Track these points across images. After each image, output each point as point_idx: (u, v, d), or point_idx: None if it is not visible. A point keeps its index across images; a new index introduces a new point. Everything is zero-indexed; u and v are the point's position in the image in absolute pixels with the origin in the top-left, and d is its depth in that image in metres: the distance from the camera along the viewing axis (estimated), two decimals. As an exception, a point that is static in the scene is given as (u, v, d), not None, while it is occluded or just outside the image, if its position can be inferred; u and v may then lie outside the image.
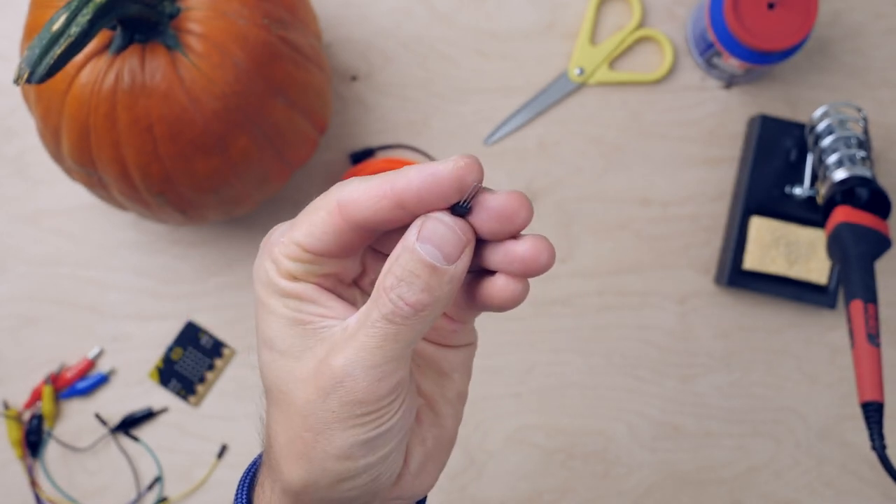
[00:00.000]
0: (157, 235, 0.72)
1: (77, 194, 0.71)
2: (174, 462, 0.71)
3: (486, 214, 0.30)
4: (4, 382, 0.71)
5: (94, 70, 0.55)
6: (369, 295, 0.34)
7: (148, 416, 0.71)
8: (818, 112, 0.66)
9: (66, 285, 0.71)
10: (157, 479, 0.71)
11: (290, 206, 0.70)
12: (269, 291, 0.32)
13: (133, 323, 0.71)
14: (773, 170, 0.69)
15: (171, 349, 0.71)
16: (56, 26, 0.47)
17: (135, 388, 0.71)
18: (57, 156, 0.60)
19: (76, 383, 0.71)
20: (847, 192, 0.62)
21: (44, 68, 0.47)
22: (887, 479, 0.71)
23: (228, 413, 0.71)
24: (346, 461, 0.31)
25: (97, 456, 0.71)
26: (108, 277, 0.72)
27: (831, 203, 0.62)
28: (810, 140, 0.67)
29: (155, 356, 0.71)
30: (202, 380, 0.71)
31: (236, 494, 0.36)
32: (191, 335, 0.71)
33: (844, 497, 0.71)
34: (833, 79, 0.72)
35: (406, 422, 0.32)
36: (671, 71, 0.72)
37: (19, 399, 0.71)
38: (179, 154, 0.56)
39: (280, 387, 0.32)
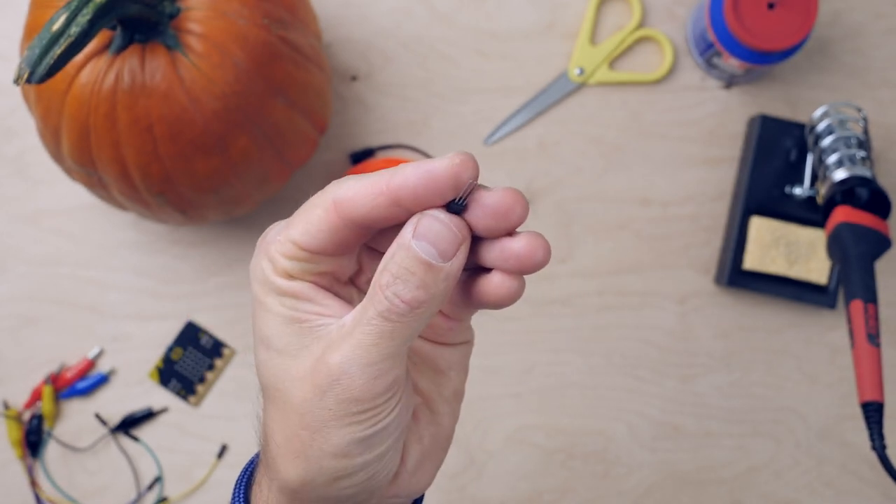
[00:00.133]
0: (157, 235, 0.72)
1: (77, 194, 0.71)
2: (174, 462, 0.71)
3: (482, 211, 0.30)
4: (4, 382, 0.71)
5: (94, 70, 0.55)
6: (366, 293, 0.34)
7: (148, 416, 0.71)
8: (818, 112, 0.66)
9: (66, 285, 0.71)
10: (157, 479, 0.71)
11: (290, 206, 0.70)
12: (265, 290, 0.32)
13: (133, 323, 0.71)
14: (773, 170, 0.69)
15: (171, 349, 0.71)
16: (56, 26, 0.47)
17: (135, 388, 0.71)
18: (57, 156, 0.60)
19: (76, 383, 0.71)
20: (847, 192, 0.62)
21: (44, 68, 0.47)
22: (887, 479, 0.71)
23: (228, 413, 0.71)
24: (342, 459, 0.31)
25: (97, 456, 0.71)
26: (108, 277, 0.72)
27: (831, 203, 0.62)
28: (810, 140, 0.67)
29: (155, 356, 0.71)
30: (202, 380, 0.71)
31: (234, 493, 0.36)
32: (191, 335, 0.71)
33: (844, 497, 0.71)
34: (833, 79, 0.72)
35: (403, 420, 0.32)
36: (671, 71, 0.72)
37: (19, 399, 0.71)
38: (179, 154, 0.56)
39: (277, 385, 0.32)
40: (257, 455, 0.37)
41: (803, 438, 0.72)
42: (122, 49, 0.54)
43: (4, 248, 0.72)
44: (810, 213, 0.69)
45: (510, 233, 0.31)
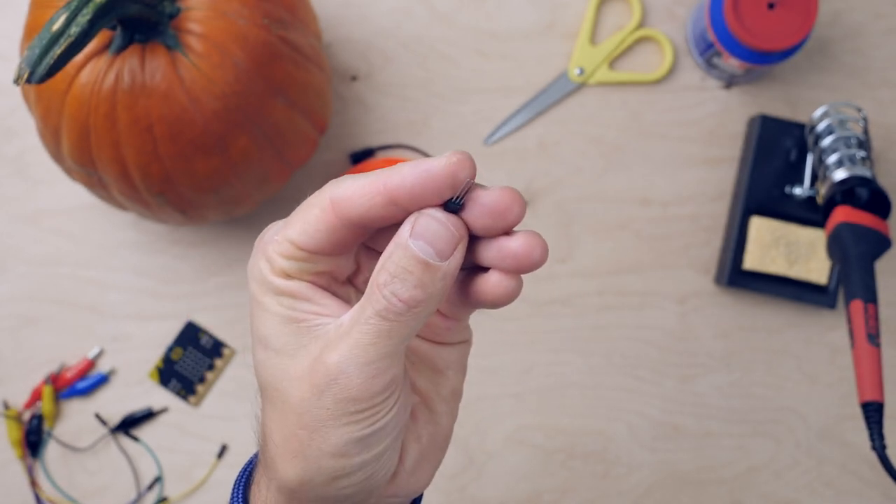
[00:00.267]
0: (157, 235, 0.72)
1: (77, 194, 0.72)
2: (174, 462, 0.71)
3: (479, 210, 0.30)
4: (4, 382, 0.71)
5: (94, 70, 0.55)
6: (363, 292, 0.34)
7: (148, 416, 0.71)
8: (818, 112, 0.66)
9: (66, 285, 0.71)
10: (157, 479, 0.71)
11: (290, 206, 0.70)
12: (263, 290, 0.32)
13: (133, 323, 0.71)
14: (773, 170, 0.69)
15: (171, 349, 0.71)
16: (56, 26, 0.47)
17: (135, 388, 0.71)
18: (57, 156, 0.60)
19: (76, 383, 0.71)
20: (847, 192, 0.62)
21: (44, 68, 0.47)
22: (887, 479, 0.71)
23: (228, 413, 0.71)
24: (341, 458, 0.31)
25: (97, 456, 0.71)
26: (108, 277, 0.72)
27: (831, 203, 0.62)
28: (810, 140, 0.67)
29: (155, 356, 0.71)
30: (202, 380, 0.71)
31: (232, 493, 0.36)
32: (191, 335, 0.71)
33: (844, 497, 0.71)
34: (833, 79, 0.72)
35: (401, 419, 0.32)
36: (671, 71, 0.72)
37: (19, 399, 0.71)
38: (179, 154, 0.56)
39: (275, 385, 0.32)
40: (256, 455, 0.37)
41: (803, 438, 0.71)
42: (122, 49, 0.54)
43: (4, 248, 0.72)
44: (810, 213, 0.69)
45: (507, 232, 0.31)
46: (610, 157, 0.72)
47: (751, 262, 0.69)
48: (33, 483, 0.70)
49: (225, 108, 0.55)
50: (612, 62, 0.73)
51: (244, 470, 0.37)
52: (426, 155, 0.72)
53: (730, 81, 0.72)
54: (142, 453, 0.71)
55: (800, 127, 0.69)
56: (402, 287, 0.29)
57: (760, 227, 0.68)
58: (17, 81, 0.47)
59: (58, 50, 0.47)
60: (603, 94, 0.72)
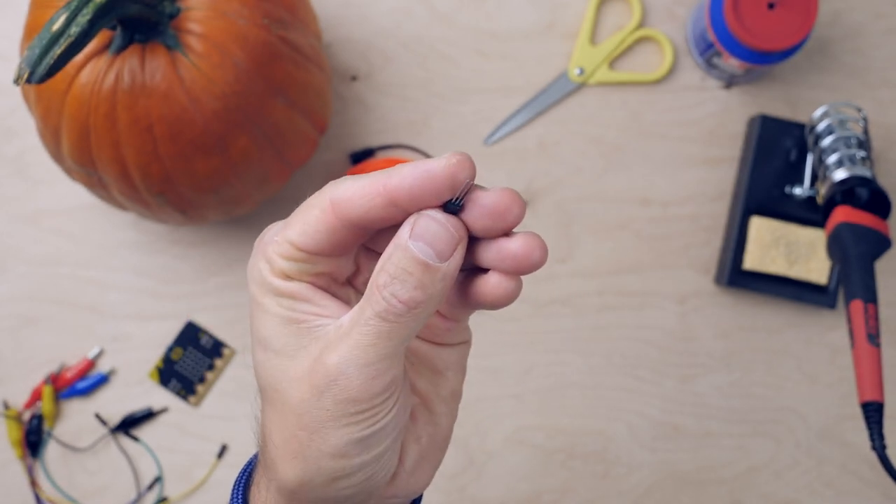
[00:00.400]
0: (157, 235, 0.72)
1: (77, 194, 0.72)
2: (174, 462, 0.71)
3: (479, 211, 0.30)
4: (4, 382, 0.71)
5: (94, 70, 0.55)
6: (363, 293, 0.34)
7: (148, 416, 0.71)
8: (818, 112, 0.66)
9: (66, 285, 0.71)
10: (157, 479, 0.71)
11: (290, 206, 0.70)
12: (263, 290, 0.32)
13: (133, 323, 0.71)
14: (773, 170, 0.69)
15: (171, 349, 0.71)
16: (56, 26, 0.47)
17: (135, 388, 0.71)
18: (57, 156, 0.60)
19: (76, 383, 0.71)
20: (847, 192, 0.62)
21: (44, 68, 0.47)
22: (887, 479, 0.71)
23: (228, 413, 0.71)
24: (340, 459, 0.31)
25: (97, 456, 0.71)
26: (108, 277, 0.72)
27: (831, 203, 0.62)
28: (810, 140, 0.67)
29: (155, 356, 0.71)
30: (202, 380, 0.71)
31: (232, 494, 0.36)
32: (191, 335, 0.71)
33: (844, 497, 0.71)
34: (833, 79, 0.72)
35: (400, 420, 0.32)
36: (671, 71, 0.72)
37: (19, 399, 0.71)
38: (179, 154, 0.56)
39: (274, 386, 0.32)
40: (256, 455, 0.37)
41: (803, 438, 0.71)
42: (122, 49, 0.54)
43: (4, 248, 0.72)
44: (810, 213, 0.69)
45: (507, 233, 0.31)
46: (610, 157, 0.72)
47: (751, 262, 0.69)
48: (33, 483, 0.70)
49: (225, 108, 0.55)
50: (612, 62, 0.73)
51: (244, 471, 0.37)
52: (426, 155, 0.72)
53: (730, 81, 0.72)
54: (142, 453, 0.71)
55: (800, 127, 0.69)
56: (402, 288, 0.29)
57: (760, 227, 0.68)
58: (17, 81, 0.47)
59: (58, 50, 0.47)
60: (603, 94, 0.72)
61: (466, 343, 0.36)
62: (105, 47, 0.55)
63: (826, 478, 0.71)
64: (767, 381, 0.72)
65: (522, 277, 0.32)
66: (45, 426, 0.70)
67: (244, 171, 0.59)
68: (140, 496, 0.71)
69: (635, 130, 0.72)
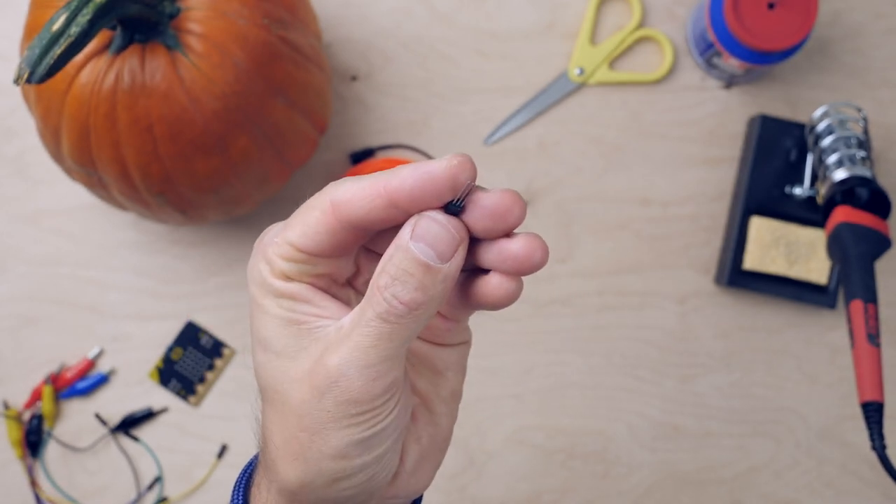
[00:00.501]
0: (157, 235, 0.72)
1: (77, 194, 0.72)
2: (174, 462, 0.71)
3: (480, 213, 0.30)
4: (4, 382, 0.71)
5: (94, 70, 0.55)
6: (363, 294, 0.34)
7: (148, 416, 0.71)
8: (818, 112, 0.66)
9: (66, 285, 0.71)
10: (157, 479, 0.71)
11: (290, 206, 0.70)
12: (263, 292, 0.32)
13: (133, 323, 0.71)
14: (773, 170, 0.69)
15: (171, 349, 0.71)
16: (56, 26, 0.47)
17: (135, 388, 0.71)
18: (57, 156, 0.60)
19: (76, 383, 0.71)
20: (847, 192, 0.62)
21: (44, 68, 0.47)
22: (887, 479, 0.71)
23: (228, 413, 0.71)
24: (341, 461, 0.31)
25: (97, 456, 0.71)
26: (108, 277, 0.72)
27: (831, 203, 0.62)
28: (810, 140, 0.67)
29: (155, 356, 0.71)
30: (202, 380, 0.71)
31: (232, 495, 0.36)
32: (191, 335, 0.71)
33: (844, 497, 0.71)
34: (833, 79, 0.72)
35: (401, 421, 0.32)
36: (671, 71, 0.72)
37: (19, 399, 0.71)
38: (179, 154, 0.56)
39: (275, 387, 0.32)
40: (256, 456, 0.37)
41: (803, 438, 0.71)
42: (122, 49, 0.54)
43: (4, 248, 0.72)
44: (810, 213, 0.69)
45: (508, 234, 0.31)
46: (610, 157, 0.72)
47: (751, 262, 0.69)
48: (33, 483, 0.70)
49: (225, 108, 0.55)
50: (612, 62, 0.73)
51: (244, 471, 0.37)
52: (426, 155, 0.72)
53: (730, 81, 0.72)
54: (142, 453, 0.71)
55: (800, 127, 0.69)
56: (403, 289, 0.29)
57: (760, 227, 0.68)
58: (17, 81, 0.47)
59: (58, 50, 0.47)
60: (603, 94, 0.72)
61: (466, 343, 0.36)
62: (105, 47, 0.55)
63: (826, 478, 0.71)
64: (767, 382, 0.72)
65: (523, 278, 0.32)
66: (45, 426, 0.70)
67: (244, 171, 0.59)
68: (140, 496, 0.71)
69: (635, 130, 0.72)
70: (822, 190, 0.64)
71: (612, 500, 0.71)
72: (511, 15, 0.72)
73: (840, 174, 0.63)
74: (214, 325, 0.71)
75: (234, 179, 0.60)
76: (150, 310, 0.71)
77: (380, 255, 0.33)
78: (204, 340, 0.71)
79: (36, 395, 0.70)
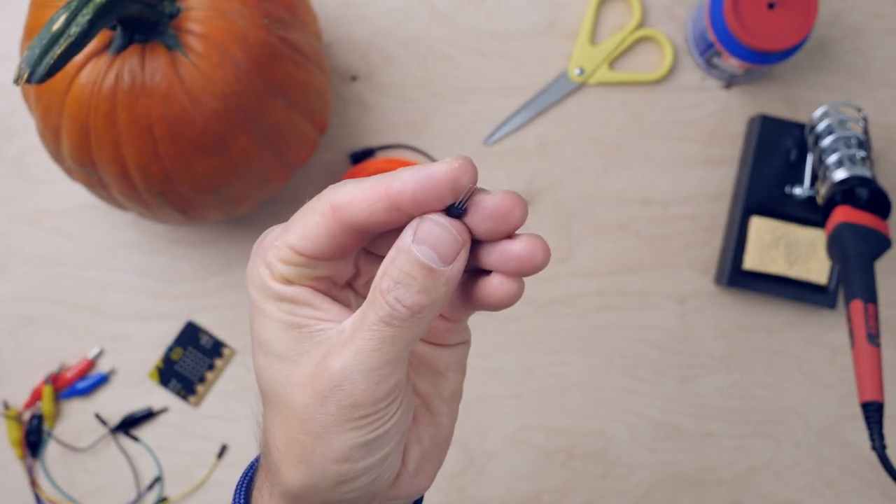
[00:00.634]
0: (157, 235, 0.72)
1: (77, 194, 0.71)
2: (174, 462, 0.71)
3: (481, 215, 0.30)
4: (4, 382, 0.71)
5: (94, 70, 0.55)
6: (363, 296, 0.34)
7: (148, 416, 0.71)
8: (818, 112, 0.66)
9: (66, 285, 0.71)
10: (157, 479, 0.71)
11: (290, 206, 0.70)
12: (263, 295, 0.32)
13: (133, 323, 0.71)
14: (773, 170, 0.69)
15: (171, 349, 0.71)
16: (56, 26, 0.47)
17: (135, 388, 0.71)
18: (57, 156, 0.60)
19: (76, 383, 0.71)
20: (847, 192, 0.62)
21: (44, 68, 0.47)
22: (887, 479, 0.71)
23: (228, 413, 0.71)
24: (345, 464, 0.31)
25: (97, 456, 0.71)
26: (108, 277, 0.72)
27: (831, 203, 0.62)
28: (810, 140, 0.67)
29: (155, 356, 0.71)
30: (202, 380, 0.71)
31: (234, 498, 0.36)
32: (191, 335, 0.71)
33: (844, 497, 0.71)
34: (833, 79, 0.72)
35: (404, 422, 0.32)
36: (671, 71, 0.72)
37: (19, 399, 0.71)
38: (179, 154, 0.56)
39: (277, 391, 0.32)
40: (257, 459, 0.37)
41: (803, 439, 0.71)
42: (122, 49, 0.54)
43: (4, 248, 0.72)
44: (810, 213, 0.69)
45: (509, 235, 0.31)
46: (610, 157, 0.72)
47: (751, 262, 0.69)
48: (33, 483, 0.70)
49: (225, 108, 0.55)
50: (612, 62, 0.73)
51: (245, 474, 0.37)
52: (426, 155, 0.72)
53: (730, 81, 0.72)
54: (142, 453, 0.71)
55: (800, 127, 0.69)
56: (406, 293, 0.29)
57: (760, 227, 0.68)
58: (17, 81, 0.47)
59: (58, 50, 0.47)
60: (603, 94, 0.72)
61: (466, 343, 0.36)
62: (105, 47, 0.55)
63: (826, 478, 0.71)
64: (767, 382, 0.72)
65: (524, 278, 0.32)
66: (45, 426, 0.70)
67: (244, 171, 0.59)
68: (140, 496, 0.71)
69: (635, 130, 0.72)
70: (822, 190, 0.64)
71: (612, 500, 0.71)
72: (511, 15, 0.72)
73: (840, 174, 0.63)
74: (214, 325, 0.71)
75: (234, 179, 0.60)
76: (150, 310, 0.71)
77: (379, 257, 0.33)
78: (204, 340, 0.71)
79: (36, 395, 0.70)
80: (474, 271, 0.32)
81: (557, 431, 0.72)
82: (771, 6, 0.65)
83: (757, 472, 0.71)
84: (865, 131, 0.65)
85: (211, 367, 0.71)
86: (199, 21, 0.55)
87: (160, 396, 0.71)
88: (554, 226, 0.72)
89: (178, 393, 0.71)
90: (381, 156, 0.72)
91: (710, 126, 0.72)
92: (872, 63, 0.72)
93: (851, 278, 0.58)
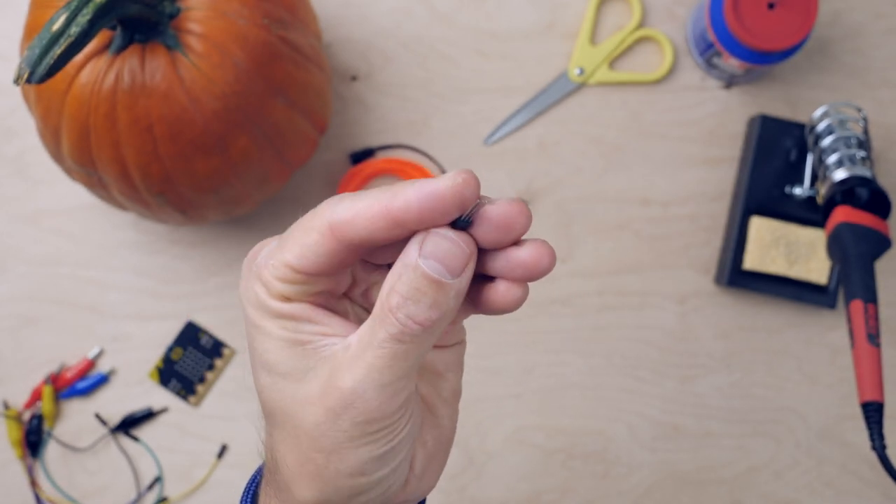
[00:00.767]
0: (157, 235, 0.72)
1: (77, 194, 0.71)
2: (174, 462, 0.71)
3: (487, 226, 0.30)
4: (4, 382, 0.71)
5: (94, 70, 0.55)
6: (359, 304, 0.34)
7: (148, 416, 0.71)
8: (818, 112, 0.66)
9: (66, 285, 0.71)
10: (157, 479, 0.71)
11: (290, 206, 0.70)
12: (261, 314, 0.32)
13: (133, 323, 0.71)
14: (773, 170, 0.69)
15: (171, 349, 0.71)
16: (56, 26, 0.47)
17: (135, 388, 0.71)
18: (57, 156, 0.60)
19: (76, 383, 0.71)
20: (847, 192, 0.62)
21: (44, 68, 0.47)
22: (887, 479, 0.71)
23: (228, 413, 0.71)
24: (360, 477, 0.31)
25: (97, 456, 0.71)
26: (108, 277, 0.72)
27: (831, 203, 0.62)
28: (810, 140, 0.67)
29: (155, 356, 0.71)
30: (202, 380, 0.71)
31: None
32: (191, 335, 0.71)
33: (844, 497, 0.71)
34: (833, 79, 0.72)
35: (414, 430, 0.32)
36: (671, 71, 0.72)
37: (19, 399, 0.71)
38: (179, 154, 0.56)
39: (284, 409, 0.31)
40: (258, 473, 0.37)
41: (803, 438, 0.71)
42: (122, 49, 0.54)
43: (4, 248, 0.72)
44: (810, 213, 0.69)
45: (514, 241, 0.31)
46: (610, 157, 0.72)
47: (751, 262, 0.69)
48: (33, 483, 0.70)
49: (225, 108, 0.55)
50: (612, 62, 0.73)
51: (248, 490, 0.37)
52: (426, 155, 0.72)
53: (730, 81, 0.72)
54: (142, 453, 0.71)
55: (800, 127, 0.69)
56: (417, 309, 0.29)
57: (760, 227, 0.68)
58: (17, 81, 0.47)
59: (58, 50, 0.47)
60: (603, 94, 0.72)
61: (462, 342, 0.37)
62: (105, 47, 0.55)
63: (826, 478, 0.71)
64: (767, 382, 0.72)
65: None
66: (45, 426, 0.70)
67: (244, 171, 0.59)
68: (140, 496, 0.71)
69: (635, 130, 0.72)
70: (822, 190, 0.64)
71: (612, 500, 0.71)
72: (511, 15, 0.72)
73: (840, 174, 0.63)
74: (214, 325, 0.71)
75: (234, 179, 0.60)
76: (150, 310, 0.71)
77: (373, 264, 0.32)
78: (204, 340, 0.71)
79: (36, 395, 0.70)
80: (478, 276, 0.32)
81: (557, 431, 0.72)
82: (771, 6, 0.65)
83: (757, 471, 0.71)
84: (865, 131, 0.65)
85: (211, 367, 0.71)
86: (199, 21, 0.55)
87: (160, 396, 0.71)
88: (554, 226, 0.72)
89: (178, 393, 0.71)
90: (381, 156, 0.72)
91: (710, 126, 0.72)
92: (872, 63, 0.72)
93: (851, 278, 0.58)
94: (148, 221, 0.71)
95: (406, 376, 0.30)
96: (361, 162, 0.71)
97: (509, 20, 0.72)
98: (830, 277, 0.69)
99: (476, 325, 0.36)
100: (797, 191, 0.68)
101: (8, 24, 0.72)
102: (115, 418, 0.71)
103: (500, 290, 0.31)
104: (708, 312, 0.72)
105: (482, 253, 0.31)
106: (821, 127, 0.66)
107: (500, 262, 0.31)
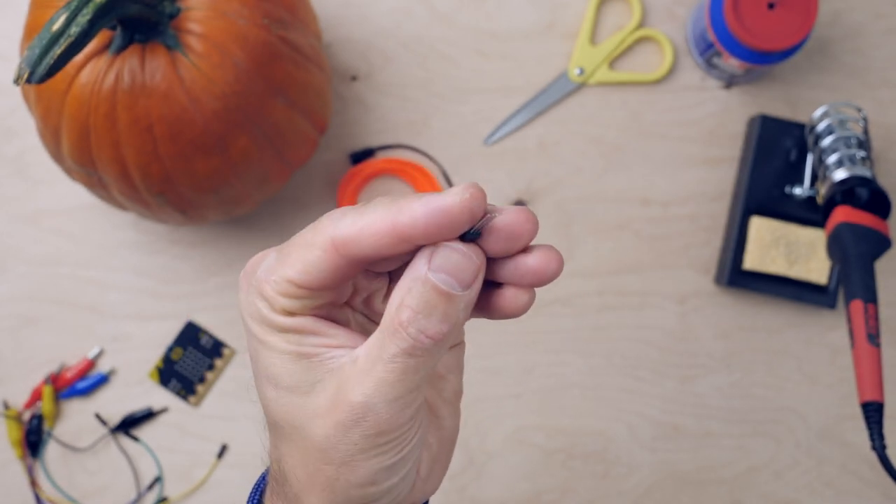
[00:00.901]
0: (157, 235, 0.72)
1: (77, 194, 0.71)
2: (174, 462, 0.71)
3: (496, 236, 0.30)
4: (4, 382, 0.71)
5: (94, 70, 0.55)
6: (360, 312, 0.34)
7: (148, 416, 0.71)
8: (818, 112, 0.66)
9: (66, 285, 0.71)
10: (157, 479, 0.71)
11: (290, 206, 0.70)
12: (265, 329, 0.31)
13: (133, 323, 0.71)
14: (773, 170, 0.69)
15: (171, 349, 0.71)
16: (56, 26, 0.47)
17: (135, 388, 0.71)
18: (57, 156, 0.60)
19: (76, 383, 0.71)
20: (847, 192, 0.62)
21: (44, 68, 0.47)
22: (887, 479, 0.71)
23: (228, 413, 0.71)
24: (370, 487, 0.31)
25: (97, 456, 0.71)
26: (108, 277, 0.72)
27: (831, 203, 0.62)
28: (810, 140, 0.67)
29: (155, 356, 0.71)
30: (202, 380, 0.71)
31: None
32: (191, 335, 0.71)
33: (844, 497, 0.71)
34: (833, 79, 0.72)
35: (423, 438, 0.32)
36: (671, 71, 0.72)
37: (19, 399, 0.71)
38: (179, 154, 0.56)
39: (292, 423, 0.31)
40: (263, 478, 0.37)
41: (803, 438, 0.71)
42: (122, 49, 0.54)
43: (4, 248, 0.72)
44: (810, 213, 0.69)
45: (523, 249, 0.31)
46: (610, 157, 0.72)
47: (751, 262, 0.69)
48: (33, 483, 0.70)
49: (225, 108, 0.55)
50: (612, 62, 0.73)
51: (251, 500, 0.37)
52: (426, 155, 0.72)
53: (730, 81, 0.72)
54: (142, 453, 0.71)
55: (800, 127, 0.69)
56: (428, 322, 0.29)
57: (760, 227, 0.68)
58: (17, 81, 0.47)
59: (58, 50, 0.47)
60: (603, 94, 0.72)
61: (462, 344, 0.37)
62: (105, 47, 0.55)
63: (826, 478, 0.71)
64: (767, 382, 0.72)
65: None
66: (45, 426, 0.70)
67: (244, 171, 0.59)
68: (140, 496, 0.71)
69: (635, 130, 0.72)
70: (822, 190, 0.64)
71: (612, 500, 0.71)
72: (511, 15, 0.72)
73: (840, 174, 0.63)
74: (214, 325, 0.71)
75: (234, 179, 0.60)
76: (150, 310, 0.71)
77: (375, 273, 0.32)
78: (204, 340, 0.71)
79: (36, 395, 0.70)
80: (485, 282, 0.32)
81: (557, 431, 0.72)
82: (771, 6, 0.65)
83: (757, 471, 0.71)
84: (865, 131, 0.65)
85: (211, 367, 0.71)
86: (199, 21, 0.55)
87: (160, 396, 0.71)
88: (554, 226, 0.72)
89: (178, 393, 0.71)
90: (381, 156, 0.72)
91: (710, 126, 0.72)
92: (872, 63, 0.72)
93: (851, 278, 0.58)
94: (148, 221, 0.71)
95: (416, 389, 0.30)
96: (361, 162, 0.71)
97: (509, 20, 0.72)
98: (830, 277, 0.69)
99: (476, 326, 0.36)
100: (797, 191, 0.68)
101: (8, 24, 0.72)
102: (115, 418, 0.71)
103: (507, 297, 0.31)
104: (708, 312, 0.72)
105: (490, 260, 0.31)
106: (821, 127, 0.66)
107: (507, 269, 0.31)
